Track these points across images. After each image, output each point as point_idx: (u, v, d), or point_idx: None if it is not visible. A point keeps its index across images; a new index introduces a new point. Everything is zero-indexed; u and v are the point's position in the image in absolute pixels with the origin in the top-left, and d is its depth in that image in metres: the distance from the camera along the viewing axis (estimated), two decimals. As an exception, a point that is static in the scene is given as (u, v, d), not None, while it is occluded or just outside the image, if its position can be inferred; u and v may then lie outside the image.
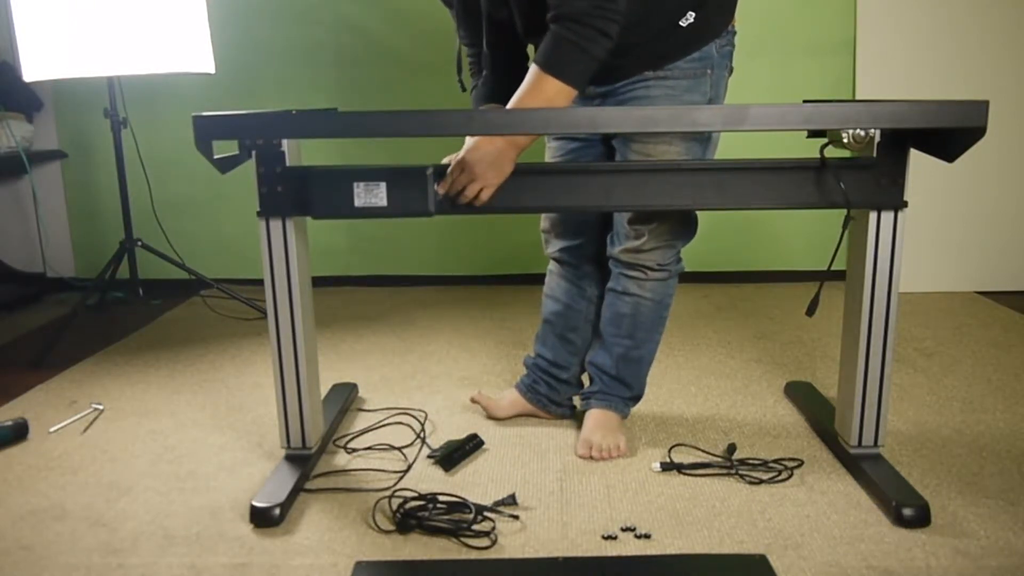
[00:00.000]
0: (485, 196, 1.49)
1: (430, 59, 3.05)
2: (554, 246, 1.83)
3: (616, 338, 1.78)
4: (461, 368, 2.30)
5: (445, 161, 1.52)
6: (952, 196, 2.95)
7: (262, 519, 1.47)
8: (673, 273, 1.75)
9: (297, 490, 1.57)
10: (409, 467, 1.68)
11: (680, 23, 1.55)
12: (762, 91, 3.05)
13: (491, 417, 1.91)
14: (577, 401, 1.90)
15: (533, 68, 1.46)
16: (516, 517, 1.48)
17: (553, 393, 1.89)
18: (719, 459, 1.68)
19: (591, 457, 1.70)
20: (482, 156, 1.48)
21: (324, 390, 2.02)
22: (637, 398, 1.85)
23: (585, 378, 1.89)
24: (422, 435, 1.81)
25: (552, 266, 1.87)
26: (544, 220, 1.84)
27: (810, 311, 1.52)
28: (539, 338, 1.90)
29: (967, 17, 2.89)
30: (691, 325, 2.69)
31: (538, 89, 1.45)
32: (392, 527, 1.45)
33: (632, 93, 1.61)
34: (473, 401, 1.92)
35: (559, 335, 1.86)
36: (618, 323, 1.77)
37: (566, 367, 1.87)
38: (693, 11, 1.54)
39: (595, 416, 1.79)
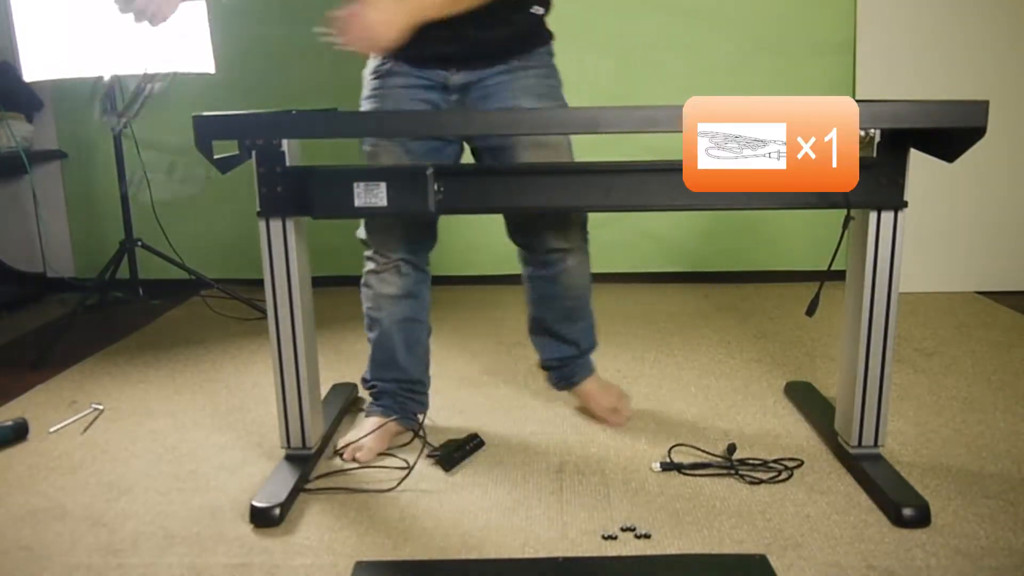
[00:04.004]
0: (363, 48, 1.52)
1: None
2: (397, 252, 1.76)
3: (561, 324, 1.87)
4: (461, 368, 2.30)
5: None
6: (952, 196, 2.94)
7: (262, 519, 1.47)
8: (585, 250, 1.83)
9: (297, 490, 1.57)
10: (411, 468, 1.67)
11: (532, 11, 1.67)
12: (762, 91, 3.04)
13: (361, 460, 1.72)
14: (548, 376, 1.98)
15: None
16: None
17: (419, 407, 1.87)
18: (719, 459, 1.68)
19: (620, 421, 1.87)
20: (377, 21, 1.48)
21: (324, 390, 2.02)
22: (592, 349, 1.95)
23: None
24: (422, 435, 1.81)
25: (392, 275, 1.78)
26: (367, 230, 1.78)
27: (810, 311, 1.52)
28: (389, 363, 1.83)
29: (967, 17, 2.89)
30: (691, 325, 2.69)
31: None
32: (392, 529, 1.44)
33: (502, 84, 1.66)
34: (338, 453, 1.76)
35: (409, 348, 1.83)
36: (557, 309, 1.86)
37: (423, 380, 1.90)
38: (541, 7, 1.68)
39: (590, 386, 1.92)
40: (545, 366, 1.96)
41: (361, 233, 1.77)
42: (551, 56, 1.75)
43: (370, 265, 1.78)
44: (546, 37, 1.73)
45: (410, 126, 1.53)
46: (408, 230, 1.74)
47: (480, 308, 2.89)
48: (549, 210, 1.76)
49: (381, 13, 1.48)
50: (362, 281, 1.80)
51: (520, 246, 1.82)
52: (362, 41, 1.49)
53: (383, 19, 1.48)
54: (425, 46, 1.61)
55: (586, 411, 1.94)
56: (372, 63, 1.72)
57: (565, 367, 1.93)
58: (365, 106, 1.72)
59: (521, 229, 1.79)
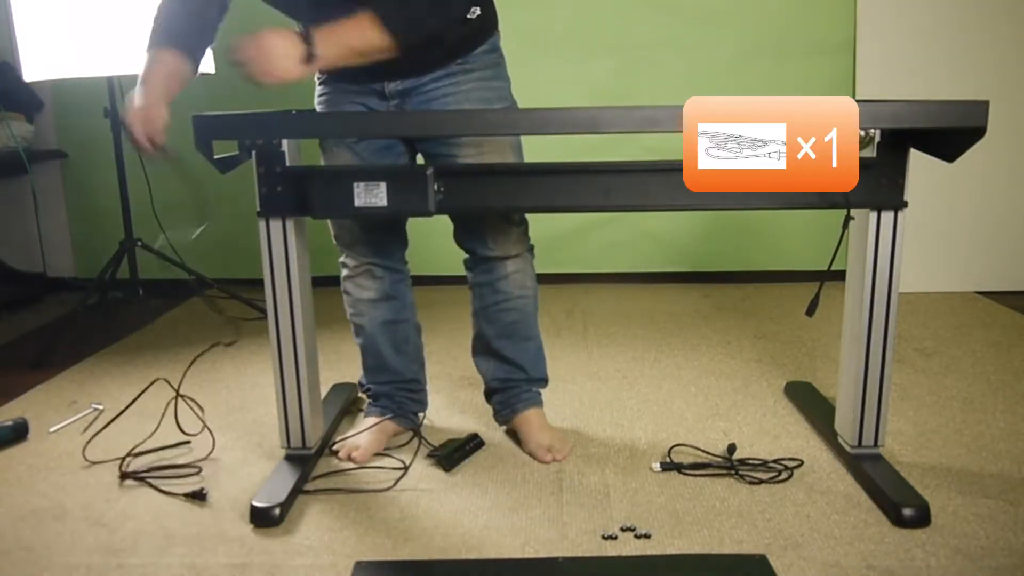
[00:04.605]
0: (259, 78, 1.41)
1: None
2: (366, 256, 1.75)
3: (504, 341, 1.78)
4: (461, 368, 2.30)
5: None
6: (952, 196, 2.94)
7: (262, 519, 1.47)
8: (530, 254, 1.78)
9: (297, 490, 1.57)
10: (407, 467, 1.67)
11: (468, 16, 1.59)
12: (762, 91, 3.04)
13: (358, 458, 1.72)
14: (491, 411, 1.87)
15: (369, 19, 1.40)
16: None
17: (419, 406, 1.87)
18: (719, 459, 1.68)
19: (554, 459, 1.70)
20: (275, 54, 1.39)
21: (324, 390, 2.02)
22: (542, 380, 1.84)
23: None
24: (419, 433, 1.80)
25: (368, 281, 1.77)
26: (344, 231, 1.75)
27: (810, 311, 1.52)
28: (380, 367, 1.82)
29: (967, 17, 2.89)
30: (691, 325, 2.69)
31: (367, 36, 1.41)
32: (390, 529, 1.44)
33: (442, 89, 1.61)
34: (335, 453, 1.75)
35: (397, 349, 1.81)
36: (499, 323, 1.76)
37: (418, 379, 1.87)
38: (477, 6, 1.60)
39: (533, 417, 1.78)
40: (488, 389, 1.84)
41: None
42: (495, 51, 1.66)
43: (344, 270, 1.78)
44: (486, 35, 1.64)
45: (409, 126, 1.53)
46: (373, 233, 1.72)
47: (480, 308, 2.89)
48: (549, 210, 1.76)
49: (284, 45, 1.39)
50: (341, 288, 1.80)
51: (465, 250, 1.75)
52: (262, 72, 1.39)
53: (285, 52, 1.39)
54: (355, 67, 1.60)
55: (521, 445, 1.77)
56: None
57: (508, 390, 1.80)
58: (318, 110, 1.71)
59: (466, 233, 1.73)
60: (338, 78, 1.66)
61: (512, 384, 1.80)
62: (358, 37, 1.41)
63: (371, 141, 1.66)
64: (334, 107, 1.67)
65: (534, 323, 1.80)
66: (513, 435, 1.81)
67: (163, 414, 1.80)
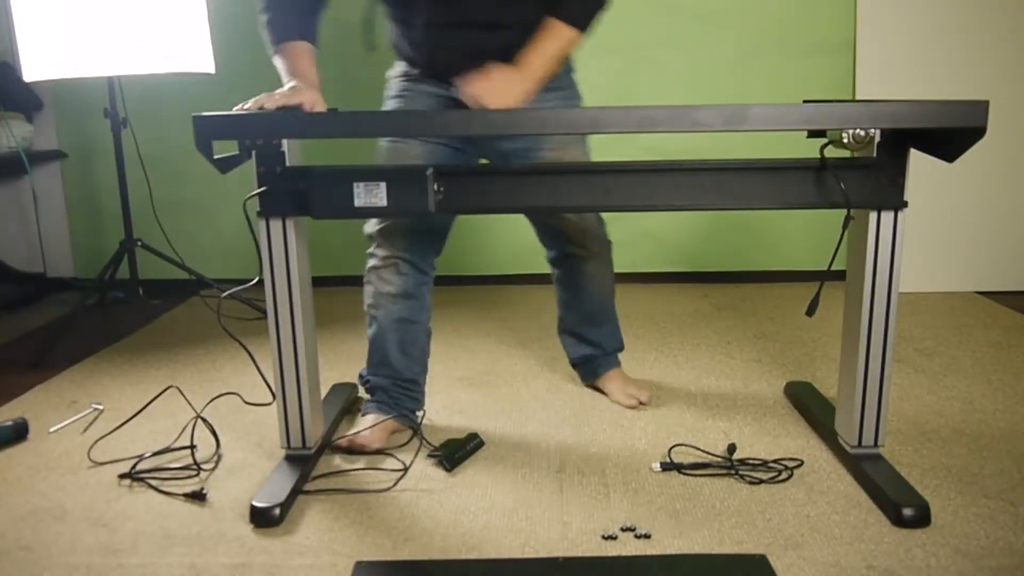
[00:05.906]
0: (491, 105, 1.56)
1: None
2: (399, 249, 1.77)
3: (584, 326, 2.01)
4: (461, 368, 2.30)
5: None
6: (952, 196, 2.95)
7: (262, 519, 1.47)
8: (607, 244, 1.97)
9: (297, 490, 1.57)
10: (407, 468, 1.67)
11: None
12: (762, 91, 3.05)
13: (362, 444, 1.75)
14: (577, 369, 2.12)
15: (555, 23, 1.58)
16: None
17: (414, 404, 1.88)
18: (719, 459, 1.68)
19: (640, 403, 1.96)
20: (503, 87, 1.57)
21: (324, 390, 2.02)
22: (617, 350, 2.09)
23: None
24: (419, 433, 1.80)
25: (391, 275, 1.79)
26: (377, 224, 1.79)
27: (810, 311, 1.52)
28: (383, 362, 1.83)
29: (967, 17, 2.89)
30: (691, 325, 2.69)
31: (561, 37, 1.59)
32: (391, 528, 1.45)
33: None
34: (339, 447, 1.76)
35: (403, 350, 1.83)
36: (580, 312, 1.99)
37: (417, 380, 1.88)
38: None
39: (614, 376, 2.04)
40: (572, 363, 2.10)
41: (368, 227, 1.79)
42: (572, 71, 1.80)
43: (371, 261, 1.80)
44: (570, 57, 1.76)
45: (410, 126, 1.53)
46: (415, 226, 1.75)
47: (481, 308, 2.89)
48: (549, 210, 1.76)
49: (502, 82, 1.57)
50: (365, 278, 1.82)
51: (547, 248, 1.93)
52: (493, 101, 1.55)
53: (503, 88, 1.57)
54: (453, 72, 1.64)
55: (608, 397, 2.05)
56: (401, 66, 1.77)
57: (590, 363, 2.07)
58: (389, 104, 1.77)
59: (545, 234, 1.90)
60: (417, 79, 1.73)
61: (592, 358, 2.06)
62: (557, 45, 1.60)
63: (442, 144, 1.74)
64: (415, 105, 1.74)
65: (611, 308, 2.03)
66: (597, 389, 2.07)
67: (180, 433, 1.80)
